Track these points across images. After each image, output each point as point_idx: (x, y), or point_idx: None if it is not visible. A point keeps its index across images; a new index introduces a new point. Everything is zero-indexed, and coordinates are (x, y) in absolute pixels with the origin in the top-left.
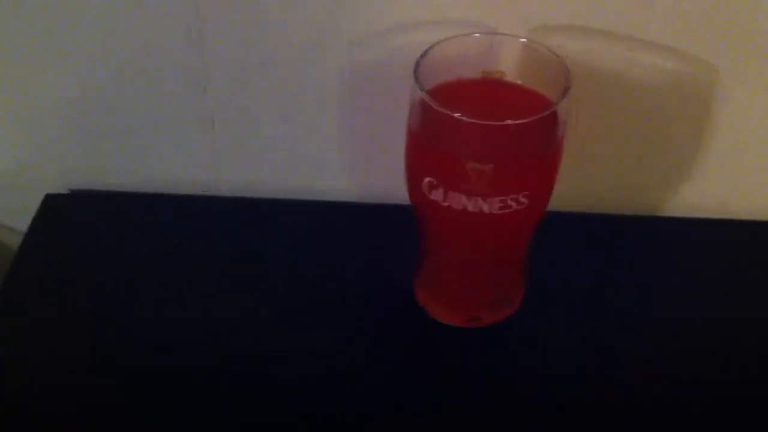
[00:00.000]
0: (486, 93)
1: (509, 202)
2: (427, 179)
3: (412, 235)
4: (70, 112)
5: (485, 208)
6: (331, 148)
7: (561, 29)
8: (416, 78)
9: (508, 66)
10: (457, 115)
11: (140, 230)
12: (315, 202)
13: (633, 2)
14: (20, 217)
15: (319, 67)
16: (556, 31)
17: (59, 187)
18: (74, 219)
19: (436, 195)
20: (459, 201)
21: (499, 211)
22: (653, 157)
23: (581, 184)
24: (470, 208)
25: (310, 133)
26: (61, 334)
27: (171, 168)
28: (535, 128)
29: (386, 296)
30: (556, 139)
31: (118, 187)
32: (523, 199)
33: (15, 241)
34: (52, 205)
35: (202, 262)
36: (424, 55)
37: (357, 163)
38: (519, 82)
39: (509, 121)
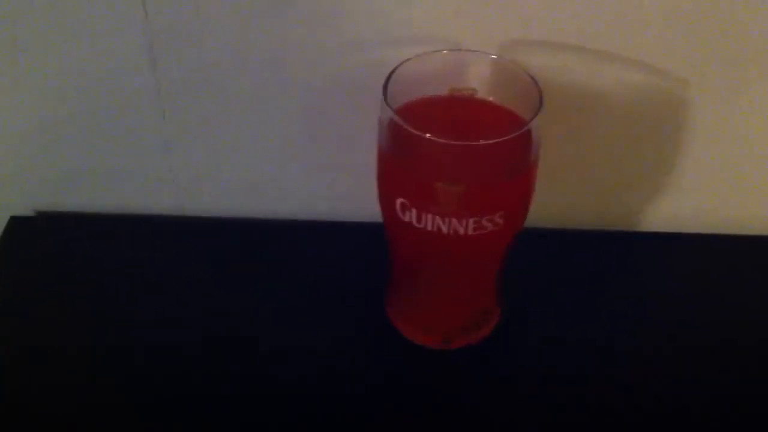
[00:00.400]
0: (457, 111)
1: (484, 222)
2: (399, 200)
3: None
4: (34, 135)
5: (460, 229)
6: (295, 168)
7: (531, 45)
8: (385, 97)
9: (479, 83)
10: (426, 135)
11: (106, 251)
12: (283, 222)
13: (602, 16)
14: None
15: (282, 87)
16: (525, 46)
17: (24, 209)
18: (39, 240)
19: (409, 216)
20: (432, 222)
21: (474, 232)
22: (627, 171)
23: (555, 200)
24: (444, 229)
25: (273, 155)
26: (25, 356)
27: (134, 189)
28: (508, 147)
29: (359, 314)
30: (529, 157)
31: (83, 209)
32: (498, 220)
33: None
34: (18, 227)
35: (168, 282)
36: (392, 73)
37: (323, 185)
38: (490, 99)
39: (480, 141)
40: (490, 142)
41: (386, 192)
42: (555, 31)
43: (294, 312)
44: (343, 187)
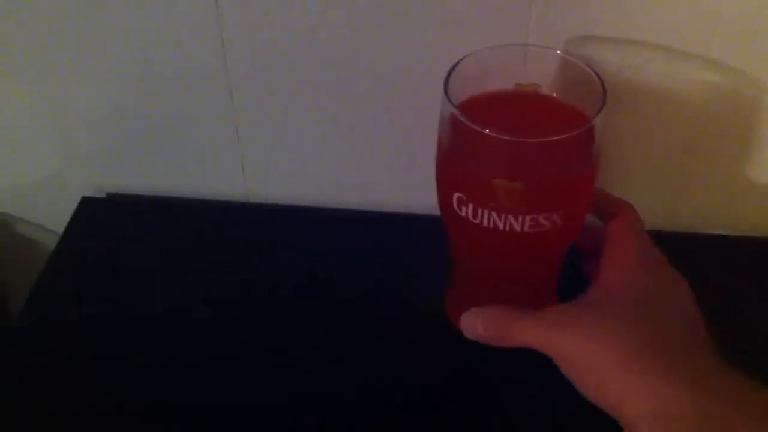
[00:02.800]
0: (520, 107)
1: (541, 220)
2: (456, 195)
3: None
4: (106, 120)
5: (516, 226)
6: (363, 158)
7: (600, 41)
8: (446, 92)
9: (544, 79)
10: (485, 130)
11: (171, 233)
12: (346, 211)
13: (683, 14)
14: (58, 218)
15: (347, 77)
16: (594, 42)
17: (96, 191)
18: (109, 221)
19: (466, 211)
20: (489, 218)
21: (531, 230)
22: (697, 173)
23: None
24: (501, 226)
25: (338, 142)
26: (93, 332)
27: (200, 173)
28: (567, 145)
29: (417, 309)
30: (591, 156)
31: (152, 192)
32: (556, 218)
33: (52, 242)
34: (89, 208)
35: (228, 266)
36: (454, 67)
37: (391, 171)
38: (554, 95)
39: (539, 138)
40: (549, 139)
41: (444, 186)
42: (626, 28)
43: (355, 302)
44: (413, 180)
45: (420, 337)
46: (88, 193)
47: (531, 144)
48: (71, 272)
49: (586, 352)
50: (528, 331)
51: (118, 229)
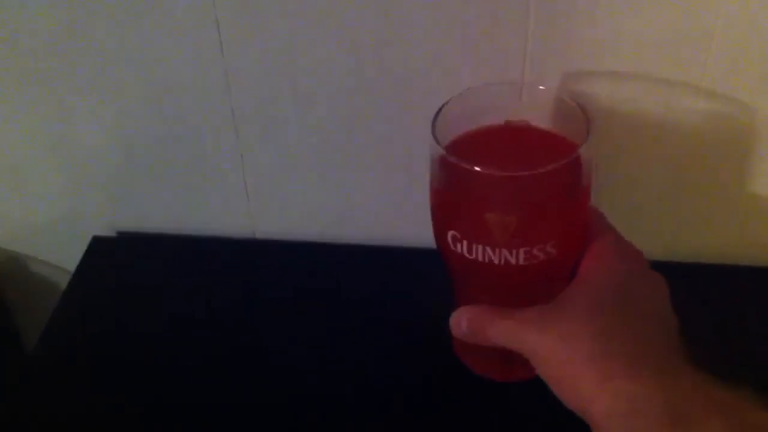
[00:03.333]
0: (510, 141)
1: (535, 252)
2: (450, 233)
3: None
4: (117, 159)
5: (511, 260)
6: (360, 194)
7: (596, 75)
8: (433, 133)
9: (535, 113)
10: (472, 167)
11: (181, 271)
12: (350, 246)
13: (673, 43)
14: (69, 257)
15: (348, 115)
16: (588, 77)
17: (106, 229)
18: (120, 260)
19: (461, 248)
20: (483, 254)
21: (526, 262)
22: (694, 201)
23: (629, 232)
24: (496, 260)
25: (342, 179)
26: (102, 369)
27: (209, 211)
28: (556, 176)
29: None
30: (580, 185)
31: (162, 230)
32: (550, 249)
33: (64, 280)
34: (100, 247)
35: (237, 302)
36: (442, 108)
37: (390, 207)
38: (544, 127)
39: (525, 171)
40: (534, 172)
41: (438, 224)
42: (619, 61)
43: (359, 335)
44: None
45: (420, 337)
46: (99, 232)
47: (519, 178)
48: (83, 311)
49: (556, 353)
50: (507, 331)
51: (128, 268)
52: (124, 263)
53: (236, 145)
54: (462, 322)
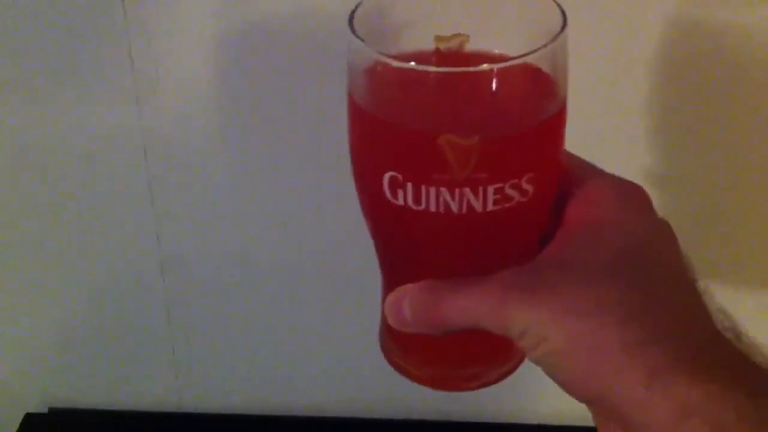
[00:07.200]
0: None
1: (508, 191)
2: (387, 175)
3: None
4: (50, 335)
5: (476, 205)
6: (303, 362)
7: None
8: (353, 30)
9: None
10: (418, 66)
11: None
12: (286, 417)
13: None
14: None
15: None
16: None
17: (39, 405)
18: None
19: (404, 196)
20: (437, 200)
21: (496, 207)
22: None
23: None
24: (455, 208)
25: (279, 349)
26: None
27: (139, 386)
28: (529, 76)
29: None
30: (556, 94)
31: (95, 405)
32: (526, 186)
33: None
34: (32, 424)
35: None
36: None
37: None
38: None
39: (491, 66)
40: (501, 65)
41: (367, 167)
42: None
43: None
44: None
45: None
46: (31, 408)
47: (481, 74)
48: None
49: (570, 331)
50: (477, 305)
51: None
52: None
53: (167, 327)
54: (404, 303)
